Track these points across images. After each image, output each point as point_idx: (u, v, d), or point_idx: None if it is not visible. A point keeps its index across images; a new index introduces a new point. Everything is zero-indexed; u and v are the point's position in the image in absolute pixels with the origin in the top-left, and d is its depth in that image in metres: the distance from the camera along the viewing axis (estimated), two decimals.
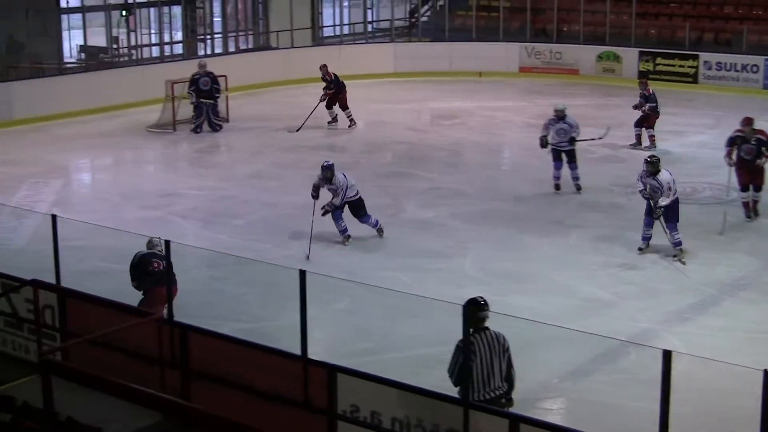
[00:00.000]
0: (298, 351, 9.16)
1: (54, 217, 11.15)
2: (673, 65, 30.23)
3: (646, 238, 15.46)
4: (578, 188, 18.91)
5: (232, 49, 33.12)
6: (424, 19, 37.38)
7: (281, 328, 11.83)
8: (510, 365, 9.08)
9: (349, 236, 16.00)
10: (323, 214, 15.86)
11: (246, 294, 13.88)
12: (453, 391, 8.78)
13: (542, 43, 32.71)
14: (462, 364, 8.66)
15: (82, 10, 30.12)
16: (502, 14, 33.59)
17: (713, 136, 23.72)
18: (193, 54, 32.09)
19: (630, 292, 13.96)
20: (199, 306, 12.89)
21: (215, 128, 24.39)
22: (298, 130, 24.03)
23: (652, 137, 22.35)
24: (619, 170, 20.52)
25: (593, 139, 19.86)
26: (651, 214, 15.25)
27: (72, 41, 30.41)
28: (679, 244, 15.09)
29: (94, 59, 29.47)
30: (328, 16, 37.82)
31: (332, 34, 37.14)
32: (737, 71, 29.44)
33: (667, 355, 7.38)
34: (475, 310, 8.85)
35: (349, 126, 24.66)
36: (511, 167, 22.38)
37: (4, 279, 11.60)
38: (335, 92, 24.71)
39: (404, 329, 12.49)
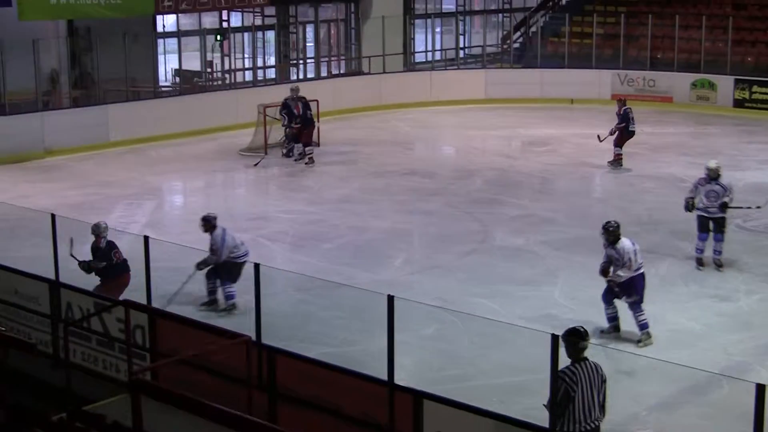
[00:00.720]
0: (385, 376, 9.14)
1: (146, 239, 11.31)
2: None
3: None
4: (718, 265, 15.85)
5: (324, 73, 33.38)
6: (516, 45, 37.32)
7: (369, 353, 11.83)
8: (605, 396, 8.98)
9: (233, 305, 14.05)
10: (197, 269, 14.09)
11: (334, 318, 13.90)
12: (540, 420, 8.68)
13: (635, 70, 32.42)
14: (563, 396, 8.56)
15: (178, 34, 30.58)
16: (595, 41, 33.38)
17: None
18: (286, 78, 32.39)
19: (722, 323, 13.70)
20: (288, 329, 12.95)
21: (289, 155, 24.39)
22: (256, 165, 23.54)
23: (617, 155, 22.64)
24: None
25: (749, 208, 16.99)
26: (610, 292, 13.02)
27: (167, 65, 30.89)
28: (645, 326, 12.97)
29: (188, 83, 29.90)
30: (420, 41, 38.00)
31: (424, 60, 37.27)
32: None
33: (760, 389, 7.24)
34: (576, 341, 8.77)
35: (306, 163, 23.71)
36: (602, 195, 22.15)
37: (97, 299, 11.79)
38: (301, 127, 23.90)
39: (492, 356, 12.40)
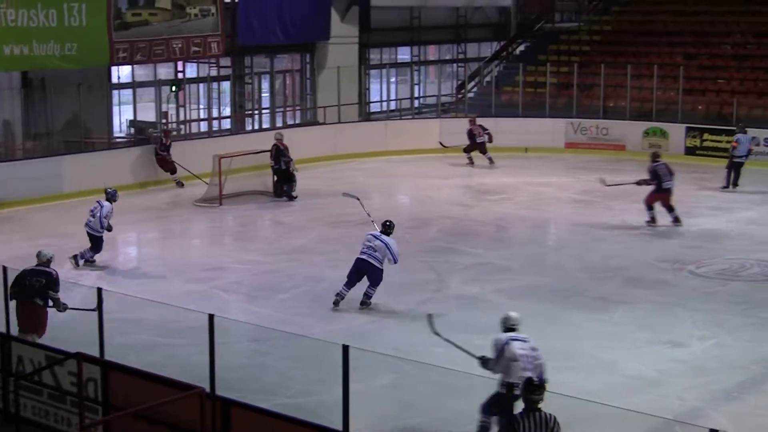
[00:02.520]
0: (340, 426, 9.11)
1: (99, 290, 11.24)
2: (720, 141, 30.06)
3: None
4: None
5: (279, 124, 33.43)
6: (470, 94, 37.59)
7: (325, 404, 11.77)
8: None
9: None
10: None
11: (290, 369, 13.84)
12: None
13: (589, 118, 32.74)
14: None
15: (133, 85, 30.57)
16: (549, 90, 33.70)
17: (762, 212, 23.63)
18: (242, 129, 32.43)
19: (676, 369, 13.78)
20: (243, 380, 12.88)
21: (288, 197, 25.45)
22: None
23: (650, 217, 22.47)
24: (664, 246, 20.41)
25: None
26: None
27: (122, 116, 30.82)
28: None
29: (143, 134, 29.83)
30: (375, 91, 38.22)
31: (379, 110, 37.46)
32: None
33: None
34: (531, 392, 8.77)
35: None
36: (556, 243, 22.29)
37: (49, 351, 11.67)
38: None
39: (449, 406, 12.39)
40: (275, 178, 25.56)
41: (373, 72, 38.23)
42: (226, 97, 33.36)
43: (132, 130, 29.68)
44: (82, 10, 26.50)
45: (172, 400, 10.04)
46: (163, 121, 31.07)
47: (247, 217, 24.04)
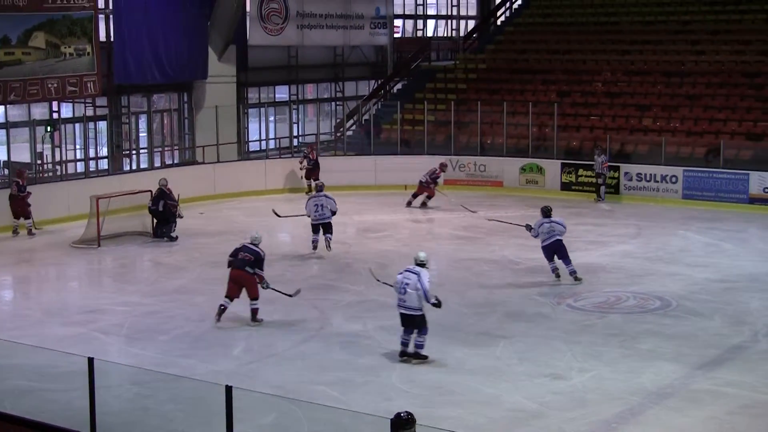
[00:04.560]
0: None
1: None
2: (593, 177, 30.69)
3: None
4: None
5: (157, 164, 33.14)
6: (349, 133, 37.78)
7: None
8: None
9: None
10: None
11: (173, 411, 13.66)
12: None
13: (467, 155, 33.14)
14: None
15: (6, 125, 30.03)
16: (427, 128, 34.04)
17: (636, 245, 24.15)
18: (119, 169, 32.06)
19: (557, 401, 13.98)
20: (125, 424, 12.70)
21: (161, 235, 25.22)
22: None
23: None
24: (542, 280, 20.72)
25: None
26: None
27: None
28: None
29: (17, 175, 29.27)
30: (254, 130, 38.14)
31: (258, 149, 37.39)
32: (657, 182, 30.05)
33: None
34: (399, 427, 8.78)
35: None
36: (438, 279, 22.36)
37: None
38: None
39: None
40: (154, 221, 25.28)
41: (251, 111, 38.18)
42: (103, 137, 32.96)
43: (6, 171, 29.09)
44: None
45: None
46: (38, 161, 30.57)
47: (126, 258, 23.74)
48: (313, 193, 24.49)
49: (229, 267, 17.80)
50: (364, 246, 24.78)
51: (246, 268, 17.59)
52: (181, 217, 25.17)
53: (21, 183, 25.80)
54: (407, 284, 15.35)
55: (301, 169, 31.95)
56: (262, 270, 17.70)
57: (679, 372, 15.22)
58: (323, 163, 32.50)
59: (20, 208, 25.61)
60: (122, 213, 25.44)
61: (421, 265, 15.53)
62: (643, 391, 14.43)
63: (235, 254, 17.84)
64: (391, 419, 8.73)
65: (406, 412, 9.05)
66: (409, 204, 29.63)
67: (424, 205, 29.54)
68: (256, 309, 17.69)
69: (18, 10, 27.92)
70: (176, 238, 24.95)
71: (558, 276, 20.54)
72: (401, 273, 15.55)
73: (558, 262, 20.54)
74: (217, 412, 9.25)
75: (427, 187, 29.68)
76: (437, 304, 15.46)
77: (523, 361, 15.65)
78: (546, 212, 20.74)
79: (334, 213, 23.34)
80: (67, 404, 13.14)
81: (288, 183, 32.28)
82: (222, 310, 17.62)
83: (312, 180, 31.07)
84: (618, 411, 13.65)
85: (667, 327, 17.43)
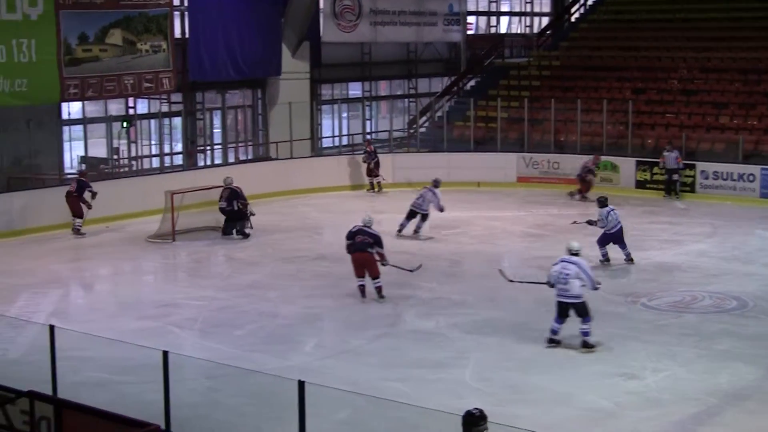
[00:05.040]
0: None
1: (51, 328, 11.13)
2: (663, 173, 30.34)
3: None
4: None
5: (231, 159, 33.35)
6: (422, 129, 37.73)
7: None
8: None
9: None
10: None
11: (245, 405, 13.74)
12: None
13: (540, 153, 32.94)
14: None
15: (84, 121, 30.39)
16: (500, 125, 33.90)
17: (712, 244, 23.83)
18: (194, 165, 32.33)
19: (631, 401, 13.82)
20: (197, 418, 12.77)
21: (231, 232, 25.27)
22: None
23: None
24: (616, 279, 20.53)
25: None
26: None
27: (73, 152, 30.63)
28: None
29: (94, 170, 29.65)
30: (327, 127, 38.25)
31: (331, 145, 37.50)
32: (734, 180, 29.62)
33: None
34: (471, 424, 8.72)
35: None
36: (510, 277, 22.28)
37: (0, 390, 11.51)
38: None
39: None
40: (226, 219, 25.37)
41: (324, 107, 38.30)
42: (178, 133, 33.26)
43: (83, 167, 29.47)
44: (31, 46, 26.39)
45: None
46: (114, 157, 30.94)
47: (200, 252, 23.92)
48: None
49: (348, 252, 18.99)
50: (437, 243, 24.71)
51: (368, 250, 18.75)
52: (254, 215, 25.27)
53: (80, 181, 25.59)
54: (568, 274, 15.99)
55: (368, 165, 31.90)
56: (382, 248, 18.92)
57: (756, 373, 14.98)
58: (396, 160, 32.50)
59: (74, 206, 25.46)
60: (196, 208, 25.66)
61: (576, 254, 16.37)
62: (719, 392, 14.22)
63: (351, 238, 18.97)
64: (463, 416, 8.68)
65: (478, 409, 8.98)
66: (581, 197, 29.98)
67: (584, 198, 29.75)
68: (380, 287, 18.90)
69: (95, 7, 28.23)
70: (249, 235, 25.06)
71: (608, 260, 21.50)
72: (557, 264, 16.19)
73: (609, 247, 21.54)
74: (289, 407, 9.27)
75: (582, 181, 30.11)
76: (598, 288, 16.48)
77: (596, 360, 15.50)
78: (604, 202, 21.72)
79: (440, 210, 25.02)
80: (141, 397, 13.28)
81: (360, 179, 32.27)
82: (362, 288, 18.99)
83: (373, 178, 31.11)
84: (693, 412, 13.47)
85: (744, 327, 17.17)
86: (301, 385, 8.98)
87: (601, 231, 21.63)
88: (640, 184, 31.03)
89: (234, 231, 25.13)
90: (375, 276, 18.87)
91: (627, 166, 31.39)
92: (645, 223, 26.26)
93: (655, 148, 32.01)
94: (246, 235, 25.05)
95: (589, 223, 21.94)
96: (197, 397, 13.75)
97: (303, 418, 8.95)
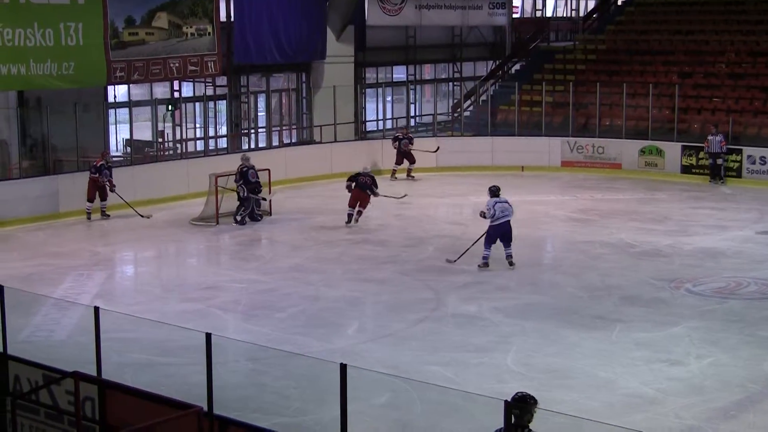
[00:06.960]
0: None
1: (96, 309, 11.21)
2: (707, 157, 30.10)
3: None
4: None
5: (275, 143, 33.47)
6: (466, 113, 37.65)
7: (321, 423, 11.77)
8: None
9: None
10: None
11: (287, 388, 13.80)
12: None
13: (585, 137, 32.79)
14: None
15: (129, 104, 30.59)
16: (545, 109, 33.78)
17: (757, 230, 23.62)
18: (238, 148, 32.44)
19: (674, 388, 13.75)
20: (240, 399, 12.86)
21: (257, 218, 24.76)
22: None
23: None
24: (660, 264, 20.41)
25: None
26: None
27: (119, 135, 30.84)
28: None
29: (140, 153, 29.86)
30: (371, 110, 38.26)
31: (375, 129, 37.51)
32: None
33: None
34: (522, 408, 8.68)
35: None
36: (553, 262, 22.27)
37: (46, 371, 11.64)
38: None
39: (446, 425, 12.35)
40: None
41: (369, 91, 38.31)
42: (222, 116, 33.40)
43: (129, 149, 29.67)
44: (78, 29, 26.58)
45: (169, 419, 10.00)
46: (160, 140, 31.12)
47: (243, 235, 24.01)
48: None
49: (348, 187, 24.37)
50: (480, 227, 24.60)
51: (366, 190, 24.25)
52: (265, 200, 25.10)
53: (97, 164, 25.30)
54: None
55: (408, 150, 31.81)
56: (376, 188, 24.56)
57: None
58: (441, 143, 32.48)
59: (97, 189, 25.31)
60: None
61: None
62: (763, 379, 14.10)
63: (355, 178, 24.36)
64: (514, 398, 8.64)
65: (527, 393, 8.88)
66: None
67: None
68: (361, 212, 24.40)
69: None
70: (245, 222, 24.60)
71: (487, 266, 20.11)
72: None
73: (495, 246, 20.28)
74: (331, 389, 9.29)
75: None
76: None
77: (639, 346, 15.43)
78: (495, 192, 20.53)
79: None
80: (184, 378, 13.39)
81: (404, 162, 32.26)
82: (350, 216, 24.21)
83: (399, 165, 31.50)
84: (737, 399, 13.38)
85: None
86: (343, 367, 9.00)
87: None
88: (686, 169, 30.79)
89: (234, 217, 24.69)
90: (363, 207, 24.36)
91: (672, 150, 31.16)
92: (690, 208, 26.10)
93: (701, 132, 31.73)
94: (239, 223, 24.58)
95: (481, 215, 21.02)
96: (240, 378, 13.85)
97: (344, 401, 8.97)
